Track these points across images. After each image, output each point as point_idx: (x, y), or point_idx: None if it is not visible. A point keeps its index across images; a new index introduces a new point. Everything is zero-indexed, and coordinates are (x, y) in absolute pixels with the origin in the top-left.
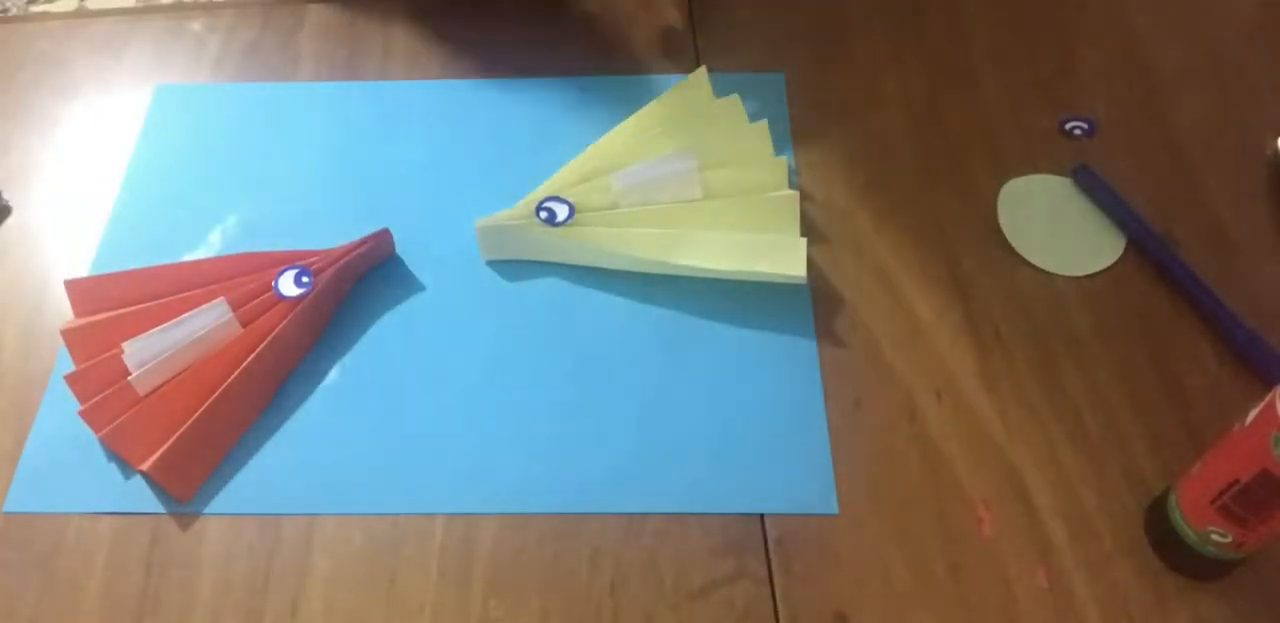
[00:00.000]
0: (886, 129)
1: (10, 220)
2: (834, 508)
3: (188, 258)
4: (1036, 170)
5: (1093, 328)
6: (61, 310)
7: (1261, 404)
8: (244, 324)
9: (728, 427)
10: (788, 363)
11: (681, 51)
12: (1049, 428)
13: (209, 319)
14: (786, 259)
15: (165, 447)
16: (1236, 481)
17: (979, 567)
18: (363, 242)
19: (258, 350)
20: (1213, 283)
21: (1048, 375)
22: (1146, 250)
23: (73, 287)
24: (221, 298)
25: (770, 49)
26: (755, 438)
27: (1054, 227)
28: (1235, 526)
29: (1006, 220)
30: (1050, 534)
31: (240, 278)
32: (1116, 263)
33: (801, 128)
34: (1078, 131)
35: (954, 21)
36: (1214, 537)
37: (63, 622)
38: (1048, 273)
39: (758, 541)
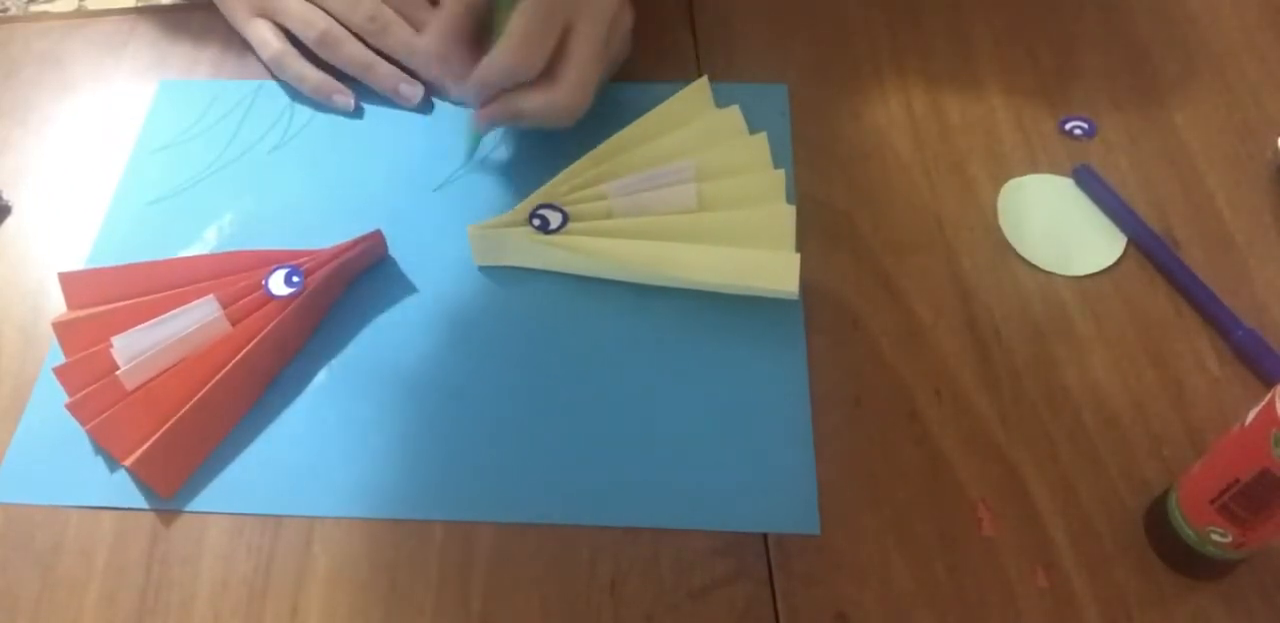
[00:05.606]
0: (887, 129)
1: (9, 220)
2: (815, 528)
3: (183, 255)
4: (1036, 170)
5: (1093, 328)
6: (59, 308)
7: (1261, 404)
8: (233, 322)
9: (712, 439)
10: (776, 375)
11: (683, 61)
12: (1049, 428)
13: (197, 316)
14: (779, 275)
15: (149, 443)
16: (1236, 480)
17: (979, 567)
18: (355, 243)
19: (245, 350)
20: (1213, 283)
21: (1048, 375)
22: (1146, 250)
23: (66, 280)
24: (211, 295)
25: (773, 57)
26: (741, 452)
27: (1054, 227)
28: (1235, 525)
29: (1006, 220)
30: (1050, 534)
31: (231, 276)
32: (1116, 263)
33: (803, 132)
34: (1078, 132)
35: (954, 22)
36: (1214, 537)
37: (62, 621)
38: (1048, 273)
39: (758, 540)
